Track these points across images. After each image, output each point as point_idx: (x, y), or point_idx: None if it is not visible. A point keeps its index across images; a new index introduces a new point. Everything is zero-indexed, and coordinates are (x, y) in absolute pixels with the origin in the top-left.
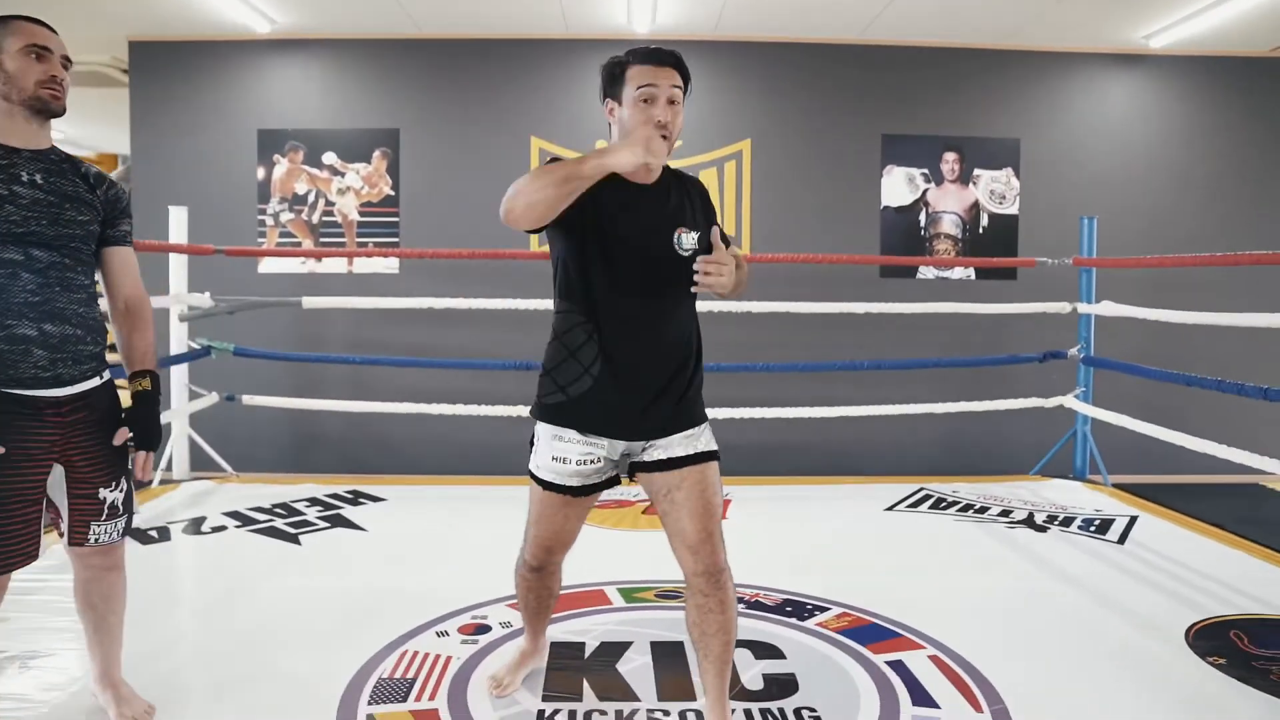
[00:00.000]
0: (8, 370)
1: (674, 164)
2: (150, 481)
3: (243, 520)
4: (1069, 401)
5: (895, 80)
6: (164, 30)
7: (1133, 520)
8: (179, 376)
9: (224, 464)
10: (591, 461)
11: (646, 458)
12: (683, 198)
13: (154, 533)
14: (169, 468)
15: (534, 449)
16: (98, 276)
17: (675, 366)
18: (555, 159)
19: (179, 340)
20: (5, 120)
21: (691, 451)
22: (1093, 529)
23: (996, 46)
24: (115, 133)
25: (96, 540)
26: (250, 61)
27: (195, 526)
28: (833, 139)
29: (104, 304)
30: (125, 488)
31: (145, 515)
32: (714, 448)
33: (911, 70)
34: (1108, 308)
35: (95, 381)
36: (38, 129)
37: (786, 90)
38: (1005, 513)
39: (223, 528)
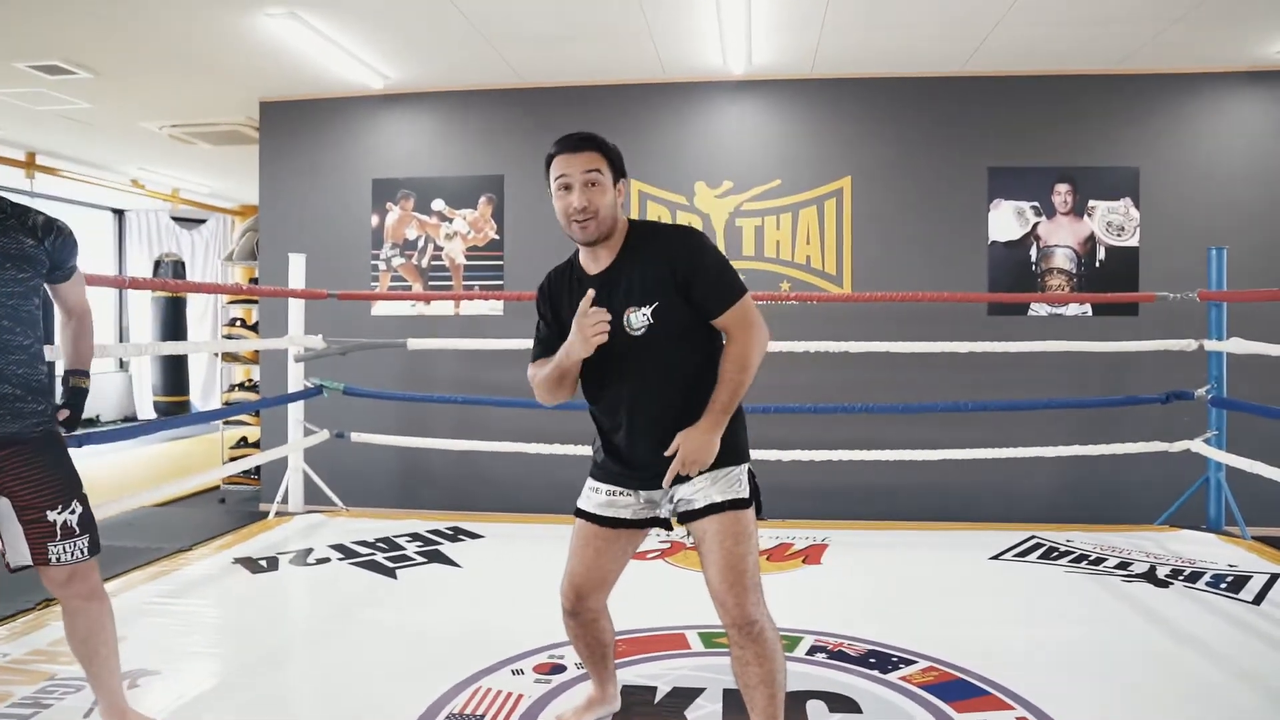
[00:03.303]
0: None
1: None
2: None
3: (346, 553)
4: (1197, 446)
5: (1001, 111)
6: (290, 91)
7: (1273, 578)
8: (295, 414)
9: (335, 498)
10: (620, 494)
11: (680, 508)
12: (634, 271)
13: (263, 562)
14: (285, 501)
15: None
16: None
17: (661, 432)
18: (541, 355)
19: (295, 380)
20: None
21: (707, 503)
22: (1223, 586)
23: (1110, 71)
24: (253, 186)
25: (58, 559)
26: (365, 116)
27: (302, 558)
28: (936, 174)
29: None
30: (78, 510)
31: (258, 545)
32: (736, 495)
33: (1018, 100)
34: (1237, 344)
35: (15, 428)
36: None
37: (886, 126)
38: (1123, 564)
39: (326, 559)
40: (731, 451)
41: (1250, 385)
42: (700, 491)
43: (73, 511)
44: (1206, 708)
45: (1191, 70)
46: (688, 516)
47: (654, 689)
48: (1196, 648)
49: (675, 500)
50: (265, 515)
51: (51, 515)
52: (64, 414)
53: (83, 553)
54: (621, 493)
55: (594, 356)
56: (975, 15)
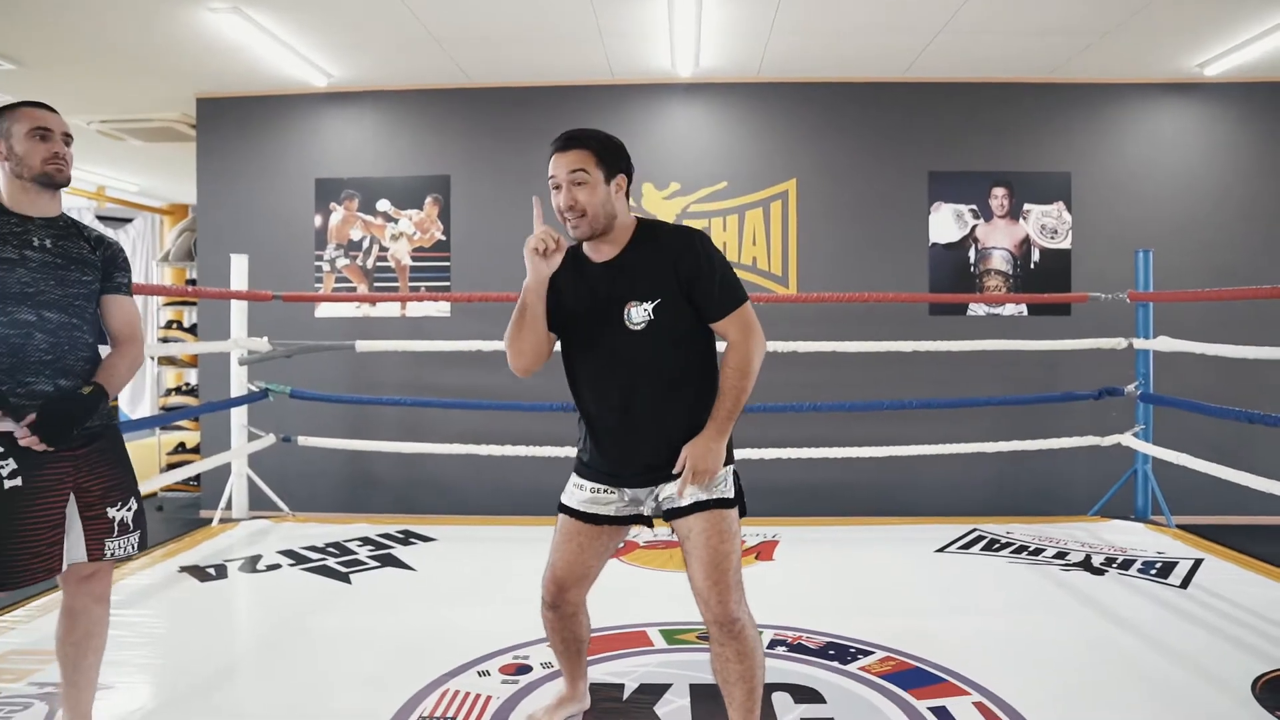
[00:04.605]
0: None
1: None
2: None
3: (296, 559)
4: (1127, 440)
5: (941, 117)
6: (229, 87)
7: (1197, 563)
8: (238, 418)
9: (281, 504)
10: (604, 491)
11: (665, 505)
12: (638, 267)
13: (211, 570)
14: (229, 506)
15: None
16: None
17: (654, 429)
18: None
19: (239, 383)
20: (20, 194)
21: (693, 500)
22: (1153, 572)
23: (1044, 80)
24: (185, 185)
25: (113, 554)
26: (308, 114)
27: (251, 564)
28: (878, 177)
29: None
30: (134, 507)
31: (204, 553)
32: (724, 494)
33: (957, 106)
34: (1164, 343)
35: (98, 425)
36: (48, 199)
37: (831, 130)
38: (1061, 554)
39: (277, 566)
40: None
41: (1175, 381)
42: (688, 491)
43: (129, 508)
44: (1140, 684)
45: (1118, 81)
46: (673, 513)
47: (622, 685)
48: (1131, 630)
49: (660, 498)
50: (207, 522)
51: (111, 512)
52: (27, 419)
53: (134, 548)
54: (606, 490)
55: (581, 333)
56: (917, 24)
